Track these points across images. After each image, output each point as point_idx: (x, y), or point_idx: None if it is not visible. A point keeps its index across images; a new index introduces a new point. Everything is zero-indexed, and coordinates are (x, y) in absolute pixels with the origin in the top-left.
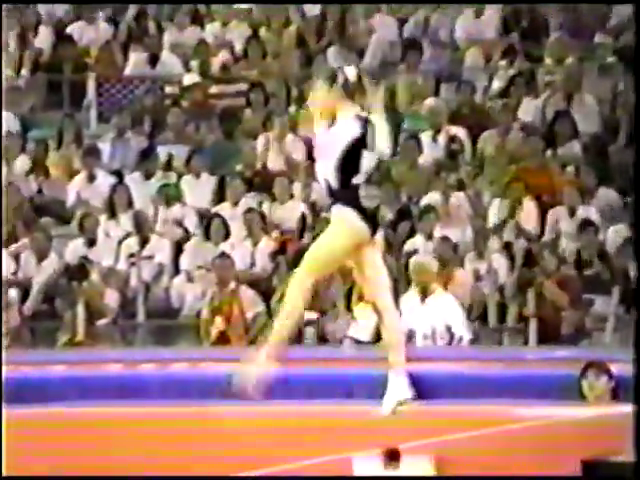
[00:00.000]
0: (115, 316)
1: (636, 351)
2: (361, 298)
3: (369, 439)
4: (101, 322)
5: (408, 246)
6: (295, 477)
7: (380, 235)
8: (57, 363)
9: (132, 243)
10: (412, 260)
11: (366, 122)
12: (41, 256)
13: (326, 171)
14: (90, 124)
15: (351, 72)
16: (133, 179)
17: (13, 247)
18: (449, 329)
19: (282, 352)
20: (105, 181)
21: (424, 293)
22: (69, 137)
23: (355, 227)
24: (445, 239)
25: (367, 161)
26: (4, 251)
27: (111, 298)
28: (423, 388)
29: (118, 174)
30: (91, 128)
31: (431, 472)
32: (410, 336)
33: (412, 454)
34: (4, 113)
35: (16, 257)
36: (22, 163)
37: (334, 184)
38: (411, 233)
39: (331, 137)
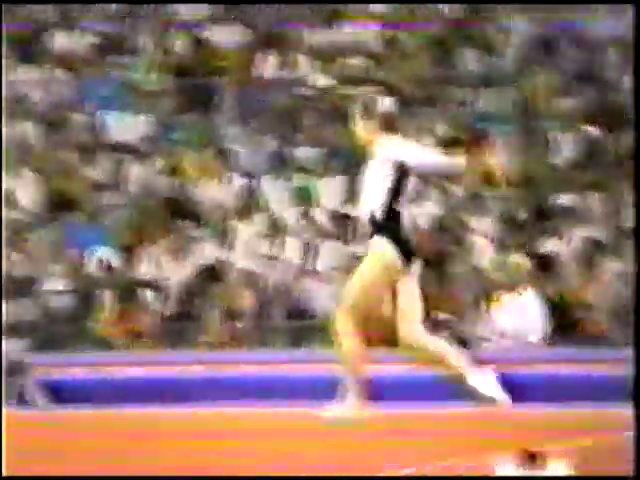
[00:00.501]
0: (252, 317)
1: (636, 351)
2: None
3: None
4: (238, 323)
5: (543, 247)
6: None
7: (417, 265)
8: (195, 364)
9: (267, 244)
10: (507, 260)
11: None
12: (178, 257)
13: (371, 203)
14: (226, 127)
15: (387, 103)
16: (268, 181)
17: (150, 249)
18: (524, 328)
19: (365, 388)
20: (240, 183)
21: (515, 295)
22: (206, 140)
23: (390, 260)
24: (586, 239)
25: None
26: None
27: (248, 299)
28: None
29: (253, 176)
30: (227, 131)
31: (570, 474)
32: (502, 334)
33: (551, 456)
34: (142, 117)
35: (156, 259)
36: (159, 165)
37: (378, 215)
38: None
39: (373, 171)
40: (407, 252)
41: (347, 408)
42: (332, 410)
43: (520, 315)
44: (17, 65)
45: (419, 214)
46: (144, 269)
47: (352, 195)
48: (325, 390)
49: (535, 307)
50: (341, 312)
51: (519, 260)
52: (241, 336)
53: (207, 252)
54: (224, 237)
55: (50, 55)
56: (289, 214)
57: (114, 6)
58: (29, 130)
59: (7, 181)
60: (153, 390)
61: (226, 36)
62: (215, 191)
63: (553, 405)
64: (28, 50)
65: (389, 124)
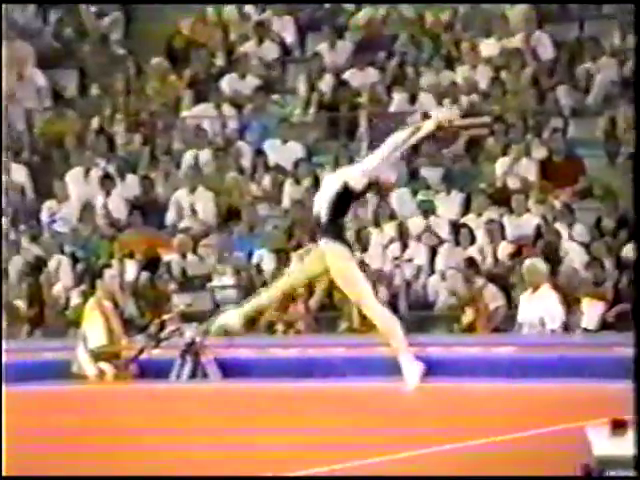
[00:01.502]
0: None
1: (636, 352)
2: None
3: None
4: None
5: (626, 252)
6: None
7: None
8: (338, 346)
9: (395, 248)
10: (525, 262)
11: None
12: None
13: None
14: (361, 153)
15: None
16: (399, 196)
17: (300, 251)
18: (542, 321)
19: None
20: (372, 198)
21: (534, 291)
22: (344, 163)
23: (349, 254)
24: None
25: None
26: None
27: (380, 293)
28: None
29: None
30: (362, 155)
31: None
32: (520, 326)
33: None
34: (294, 144)
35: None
36: (307, 183)
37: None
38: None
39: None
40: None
41: (412, 378)
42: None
43: (542, 306)
44: (194, 102)
45: (521, 224)
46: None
47: (465, 207)
48: (444, 368)
49: (554, 300)
50: (368, 307)
51: (537, 263)
52: (374, 324)
53: None
54: (361, 242)
55: (220, 94)
56: (414, 222)
57: (273, 53)
58: (203, 155)
59: (188, 196)
60: (305, 367)
61: (362, 78)
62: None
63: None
64: (203, 90)
65: None
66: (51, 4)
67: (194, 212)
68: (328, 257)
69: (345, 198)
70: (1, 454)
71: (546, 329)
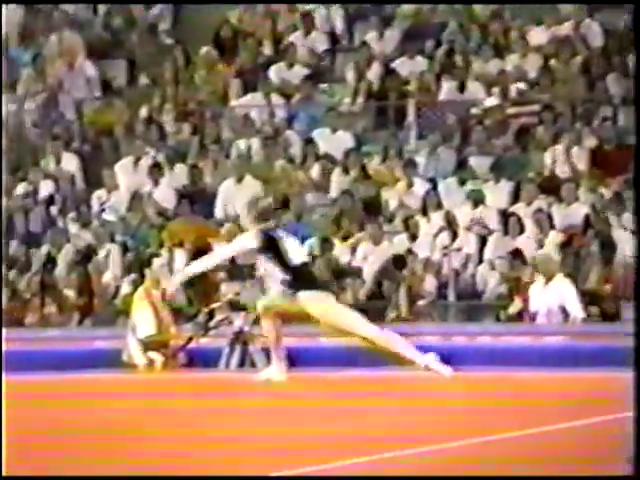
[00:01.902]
0: (432, 297)
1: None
2: None
3: None
4: (421, 302)
5: None
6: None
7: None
8: None
9: (444, 237)
10: (538, 253)
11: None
12: (372, 248)
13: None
14: (410, 141)
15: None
16: (447, 185)
17: (350, 241)
18: (564, 309)
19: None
20: (421, 187)
21: (548, 280)
22: (393, 152)
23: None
24: None
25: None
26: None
27: (429, 283)
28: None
29: (432, 181)
30: (411, 144)
31: None
32: (534, 316)
33: None
34: (342, 133)
35: (353, 249)
36: (356, 172)
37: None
38: None
39: None
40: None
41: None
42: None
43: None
44: (242, 92)
45: (570, 213)
46: (343, 257)
47: (515, 196)
48: (492, 357)
49: (571, 289)
50: (363, 331)
51: (551, 253)
52: (422, 312)
53: (396, 244)
54: (410, 231)
55: (268, 83)
56: (462, 212)
57: (322, 43)
58: (253, 144)
59: (235, 185)
60: (352, 356)
61: (411, 66)
62: (402, 193)
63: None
64: (251, 79)
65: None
66: (54, 4)
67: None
68: (308, 308)
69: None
70: (1, 454)
71: (571, 318)
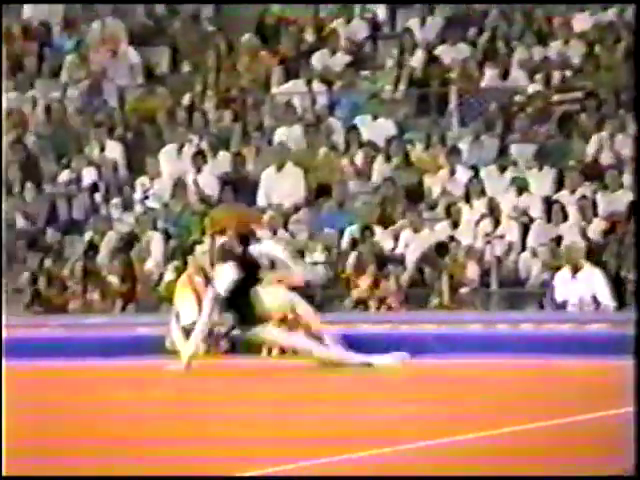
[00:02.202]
0: (474, 285)
1: (636, 354)
2: None
3: None
4: (463, 290)
5: None
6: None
7: None
8: (428, 323)
9: (487, 225)
10: (563, 243)
11: None
12: (414, 235)
13: None
14: (452, 128)
15: None
16: (489, 172)
17: (392, 228)
18: (595, 298)
19: None
20: (464, 174)
21: (575, 270)
22: (435, 139)
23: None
24: None
25: None
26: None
27: (471, 270)
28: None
29: (475, 168)
30: (453, 131)
31: None
32: (564, 305)
33: None
34: (384, 120)
35: (396, 236)
36: (398, 159)
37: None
38: None
39: None
40: None
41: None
42: None
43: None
44: (284, 79)
45: (614, 200)
46: (386, 245)
47: (558, 184)
48: (535, 345)
49: (601, 278)
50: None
51: (577, 242)
52: (465, 300)
53: (438, 231)
54: (452, 219)
55: (310, 70)
56: (505, 199)
57: (363, 30)
58: (294, 131)
59: (277, 173)
60: (395, 343)
61: (453, 53)
62: (444, 181)
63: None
64: (293, 67)
65: None
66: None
67: (281, 189)
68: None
69: None
70: (1, 454)
71: (602, 307)
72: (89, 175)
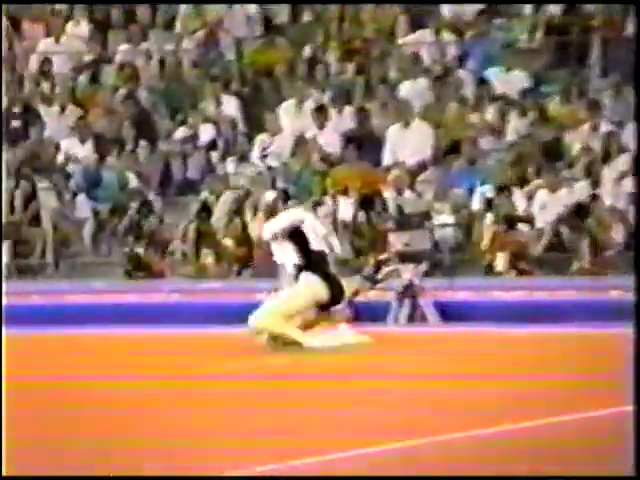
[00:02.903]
0: (619, 248)
1: (636, 352)
2: None
3: None
4: (607, 253)
5: None
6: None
7: None
8: (566, 289)
9: (628, 183)
10: None
11: None
12: (552, 195)
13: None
14: (593, 80)
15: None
16: (630, 128)
17: (526, 189)
18: None
19: None
20: (606, 130)
21: None
22: (574, 92)
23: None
24: None
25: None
26: None
27: (616, 232)
28: None
29: (618, 124)
30: (593, 84)
31: None
32: None
33: None
34: (519, 72)
35: (530, 197)
36: (534, 114)
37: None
38: None
39: None
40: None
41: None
42: None
43: None
44: (411, 29)
45: None
46: (520, 205)
47: None
48: None
49: None
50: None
51: None
52: (609, 263)
53: (577, 191)
54: (592, 177)
55: (439, 19)
56: None
57: None
58: (421, 84)
59: (403, 129)
60: (530, 311)
61: None
62: (584, 137)
63: None
64: (420, 15)
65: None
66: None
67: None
68: None
69: None
70: (1, 454)
71: None
72: (207, 132)
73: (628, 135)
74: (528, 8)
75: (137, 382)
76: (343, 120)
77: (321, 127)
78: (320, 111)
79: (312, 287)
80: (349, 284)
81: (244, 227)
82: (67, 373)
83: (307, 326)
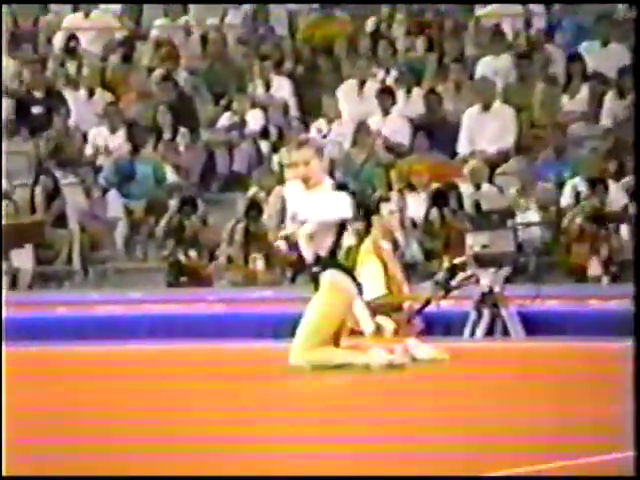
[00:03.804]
0: None
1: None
2: None
3: None
4: None
5: None
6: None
7: None
8: None
9: None
10: None
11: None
12: None
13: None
14: None
15: None
16: None
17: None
18: None
19: None
20: None
21: None
22: None
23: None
24: None
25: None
26: None
27: None
28: None
29: None
30: None
31: None
32: None
33: None
34: (617, 46)
35: (627, 190)
36: (632, 96)
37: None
38: None
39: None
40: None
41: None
42: None
43: None
44: None
45: None
46: (617, 201)
47: None
48: None
49: None
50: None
51: None
52: None
53: None
54: None
55: None
56: None
57: None
58: (503, 61)
59: (480, 114)
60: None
61: None
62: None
63: None
64: None
65: None
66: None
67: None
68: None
69: None
70: (1, 455)
71: None
72: (255, 119)
73: None
74: None
75: (181, 402)
76: (411, 104)
77: (386, 112)
78: (385, 94)
79: (339, 286)
80: (419, 292)
81: None
82: (97, 392)
83: (353, 332)
